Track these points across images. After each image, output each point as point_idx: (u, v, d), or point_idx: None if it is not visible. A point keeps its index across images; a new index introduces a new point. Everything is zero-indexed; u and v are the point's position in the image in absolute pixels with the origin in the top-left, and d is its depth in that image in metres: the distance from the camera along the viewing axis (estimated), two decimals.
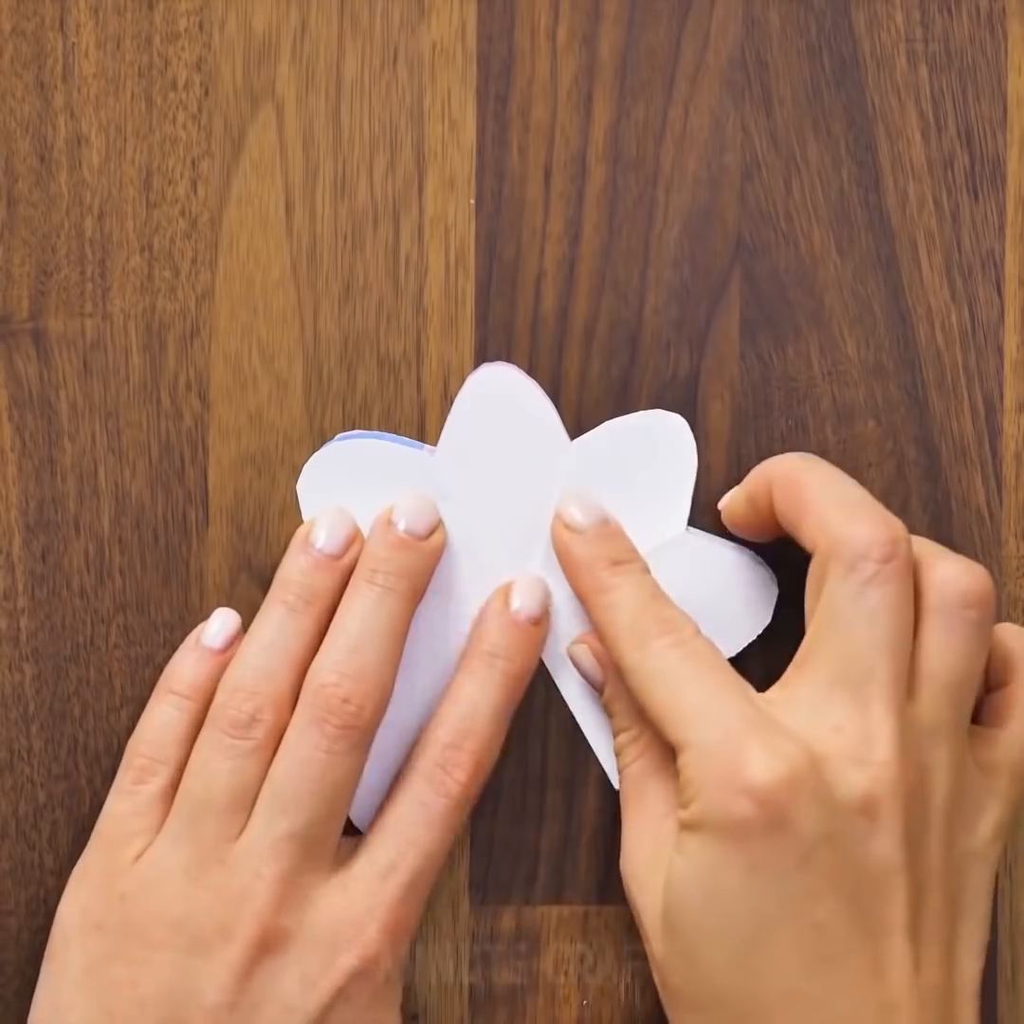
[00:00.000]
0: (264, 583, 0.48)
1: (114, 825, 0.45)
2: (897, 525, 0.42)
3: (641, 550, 0.46)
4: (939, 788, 0.42)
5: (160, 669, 0.48)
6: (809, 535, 0.43)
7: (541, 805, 0.48)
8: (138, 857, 0.45)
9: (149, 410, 0.48)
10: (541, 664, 0.47)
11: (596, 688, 0.47)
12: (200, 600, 0.48)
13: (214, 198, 0.48)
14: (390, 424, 0.48)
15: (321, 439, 0.48)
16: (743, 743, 0.41)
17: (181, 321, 0.48)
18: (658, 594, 0.45)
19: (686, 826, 0.42)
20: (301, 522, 0.47)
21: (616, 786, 0.47)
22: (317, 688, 0.44)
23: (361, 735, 0.44)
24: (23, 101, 0.48)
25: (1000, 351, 0.47)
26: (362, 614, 0.45)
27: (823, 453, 0.47)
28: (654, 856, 0.44)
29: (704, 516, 0.47)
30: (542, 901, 0.48)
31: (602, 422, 0.47)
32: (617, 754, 0.46)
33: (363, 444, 0.47)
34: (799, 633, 0.45)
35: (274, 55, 0.48)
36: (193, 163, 0.48)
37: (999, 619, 0.47)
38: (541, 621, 0.46)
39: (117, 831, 0.45)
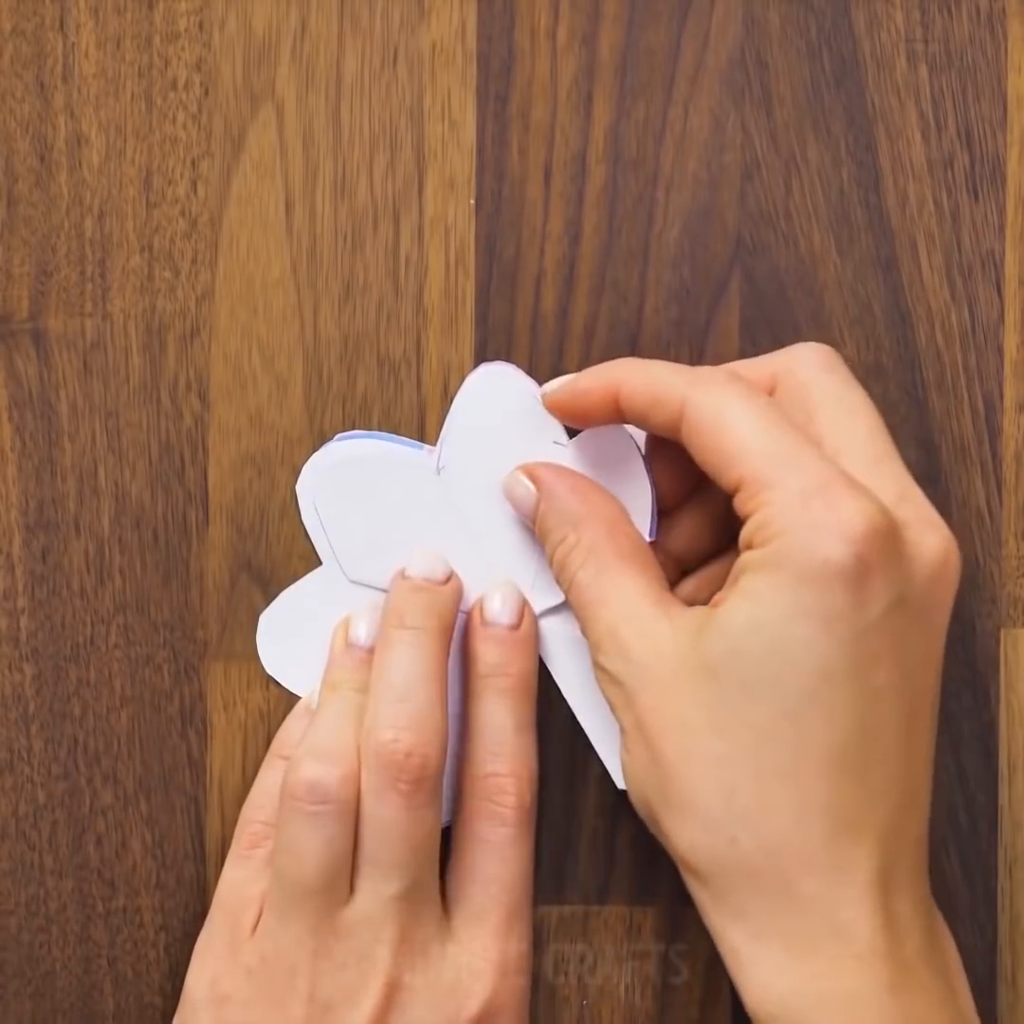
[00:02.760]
0: (264, 583, 0.48)
1: (231, 892, 0.46)
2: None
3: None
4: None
5: (160, 669, 0.48)
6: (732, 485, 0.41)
7: (541, 805, 0.48)
8: (255, 927, 0.45)
9: (149, 410, 0.48)
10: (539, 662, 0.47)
11: (528, 515, 0.45)
12: (200, 600, 0.48)
13: (214, 198, 0.48)
14: (390, 424, 0.48)
15: (321, 439, 0.48)
16: (839, 490, 0.39)
17: (181, 321, 0.48)
18: None
19: (759, 567, 0.40)
20: (301, 522, 0.47)
21: (619, 785, 0.47)
22: (378, 748, 0.44)
23: (434, 783, 0.44)
24: (23, 101, 0.48)
25: (1000, 351, 0.47)
26: (399, 662, 0.45)
27: None
28: (654, 623, 0.42)
29: None
30: (542, 901, 0.48)
31: None
32: (561, 568, 0.44)
33: (363, 444, 0.47)
34: None
35: (274, 55, 0.48)
36: (193, 163, 0.48)
37: (999, 619, 0.47)
38: (521, 623, 0.46)
39: (234, 898, 0.46)
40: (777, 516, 0.40)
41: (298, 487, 0.47)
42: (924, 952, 0.40)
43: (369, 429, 0.48)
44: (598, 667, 0.43)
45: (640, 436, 0.46)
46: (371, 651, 0.46)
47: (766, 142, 0.48)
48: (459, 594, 0.46)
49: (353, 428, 0.48)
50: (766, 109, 0.48)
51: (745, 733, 0.40)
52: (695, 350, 0.48)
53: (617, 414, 0.43)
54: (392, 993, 0.44)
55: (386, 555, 0.47)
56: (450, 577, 0.46)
